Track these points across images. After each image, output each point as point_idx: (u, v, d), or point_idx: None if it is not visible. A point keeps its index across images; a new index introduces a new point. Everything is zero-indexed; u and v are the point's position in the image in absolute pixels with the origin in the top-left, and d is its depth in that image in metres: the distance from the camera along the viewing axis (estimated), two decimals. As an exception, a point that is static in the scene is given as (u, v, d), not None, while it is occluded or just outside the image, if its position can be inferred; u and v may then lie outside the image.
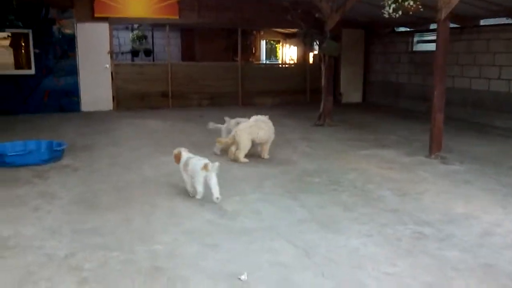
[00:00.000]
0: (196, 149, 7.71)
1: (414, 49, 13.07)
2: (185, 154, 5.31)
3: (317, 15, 9.47)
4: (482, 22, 10.58)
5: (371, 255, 3.77)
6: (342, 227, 4.37)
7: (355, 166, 6.67)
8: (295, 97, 14.58)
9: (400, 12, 6.48)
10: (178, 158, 5.33)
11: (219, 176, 5.02)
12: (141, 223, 4.47)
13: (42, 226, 4.35)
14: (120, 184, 5.79)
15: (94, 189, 5.56)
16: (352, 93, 15.02)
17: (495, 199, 5.18)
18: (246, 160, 6.85)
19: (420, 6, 6.38)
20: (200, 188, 5.04)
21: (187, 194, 5.30)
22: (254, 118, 7.08)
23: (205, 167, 4.93)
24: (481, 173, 6.27)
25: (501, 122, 10.16)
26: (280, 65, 18.30)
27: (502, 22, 10.02)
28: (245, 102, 14.04)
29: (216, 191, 4.90)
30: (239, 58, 14.26)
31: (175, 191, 5.46)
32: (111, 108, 12.76)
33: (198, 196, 5.08)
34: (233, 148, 6.96)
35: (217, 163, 4.98)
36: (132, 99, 13.01)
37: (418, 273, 3.45)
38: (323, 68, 10.04)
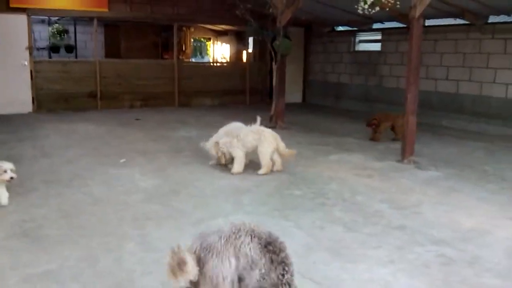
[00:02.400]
0: (148, 159, 6.77)
1: (356, 49, 12.89)
2: None
3: (270, 10, 8.82)
4: (427, 23, 10.53)
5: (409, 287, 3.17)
6: (356, 253, 3.73)
7: (331, 174, 6.10)
8: (235, 98, 13.85)
9: (376, 8, 6.00)
10: None
11: (187, 193, 5.06)
12: (110, 261, 3.52)
13: (-25, 275, 3.27)
14: (66, 208, 4.72)
15: (34, 216, 4.45)
16: (292, 93, 14.53)
17: (494, 209, 4.84)
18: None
19: (397, 2, 5.94)
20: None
21: (158, 218, 4.41)
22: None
23: None
24: (461, 179, 5.97)
25: (447, 122, 10.20)
26: (218, 64, 17.37)
27: (449, 23, 10.02)
28: (182, 103, 13.07)
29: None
30: (174, 56, 13.27)
31: (141, 214, 4.53)
32: (30, 110, 11.24)
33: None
34: None
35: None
36: (55, 100, 11.55)
37: (473, 312, 2.90)
38: (275, 67, 9.42)
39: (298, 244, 3.85)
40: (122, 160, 6.70)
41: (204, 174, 6.08)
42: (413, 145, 6.80)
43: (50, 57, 14.58)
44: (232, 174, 6.01)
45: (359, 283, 3.24)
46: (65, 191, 5.26)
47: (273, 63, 9.49)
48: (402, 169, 6.46)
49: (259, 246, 2.22)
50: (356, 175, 6.07)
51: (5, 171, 4.51)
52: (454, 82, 10.12)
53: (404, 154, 6.75)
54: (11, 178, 4.55)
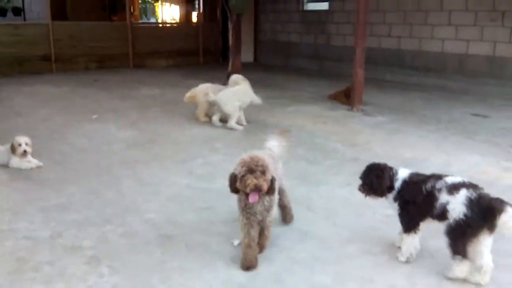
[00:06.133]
0: (119, 115, 7.18)
1: (305, 8, 13.48)
2: None
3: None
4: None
5: (363, 202, 3.92)
6: (320, 179, 4.48)
7: (291, 122, 6.81)
8: (189, 58, 14.19)
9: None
10: None
11: (164, 141, 5.18)
12: (113, 194, 4.07)
13: (-4, 209, 3.73)
14: (56, 157, 5.16)
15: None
16: (243, 52, 15.01)
17: (431, 144, 5.72)
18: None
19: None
20: None
21: (144, 161, 4.96)
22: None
23: None
24: (404, 122, 6.84)
25: (390, 76, 11.10)
26: (170, 25, 17.47)
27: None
28: (137, 64, 13.30)
29: None
30: (127, 17, 13.36)
31: (128, 159, 5.05)
32: (-16, 75, 11.15)
33: None
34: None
35: None
36: (8, 64, 11.48)
37: (414, 213, 3.70)
38: (230, 26, 9.89)
39: (271, 175, 4.54)
40: (94, 116, 7.08)
41: (175, 126, 6.61)
42: (361, 95, 7.61)
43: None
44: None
45: (324, 199, 3.99)
46: (50, 143, 5.66)
47: (229, 22, 9.93)
48: (352, 116, 7.26)
49: None
50: (313, 122, 6.81)
51: (20, 145, 4.63)
52: (396, 38, 10.99)
53: (354, 103, 7.55)
54: (24, 151, 4.63)
